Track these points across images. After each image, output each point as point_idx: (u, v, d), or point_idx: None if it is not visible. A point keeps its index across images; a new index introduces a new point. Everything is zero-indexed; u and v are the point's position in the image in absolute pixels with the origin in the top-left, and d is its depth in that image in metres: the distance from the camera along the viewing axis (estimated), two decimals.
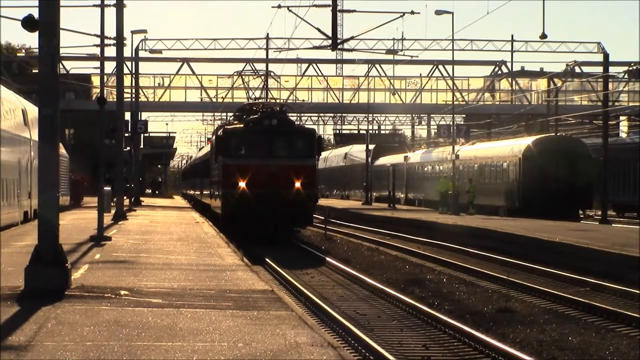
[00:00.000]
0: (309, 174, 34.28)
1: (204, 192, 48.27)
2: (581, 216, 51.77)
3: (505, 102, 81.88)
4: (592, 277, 23.14)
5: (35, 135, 33.81)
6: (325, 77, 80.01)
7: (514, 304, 19.09)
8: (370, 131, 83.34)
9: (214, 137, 41.11)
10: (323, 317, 16.88)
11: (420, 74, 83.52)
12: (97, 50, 51.31)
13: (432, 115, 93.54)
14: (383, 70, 78.37)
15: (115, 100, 47.01)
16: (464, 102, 77.40)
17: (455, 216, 49.09)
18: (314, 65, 78.50)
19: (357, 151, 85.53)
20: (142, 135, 70.04)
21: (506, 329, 16.04)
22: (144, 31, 67.02)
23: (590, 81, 72.96)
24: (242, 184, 33.37)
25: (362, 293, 21.23)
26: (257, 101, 42.28)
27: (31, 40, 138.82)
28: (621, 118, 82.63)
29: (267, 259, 26.65)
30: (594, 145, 55.96)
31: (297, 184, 33.47)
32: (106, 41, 41.20)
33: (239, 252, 25.06)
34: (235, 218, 33.71)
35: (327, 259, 28.13)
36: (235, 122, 38.25)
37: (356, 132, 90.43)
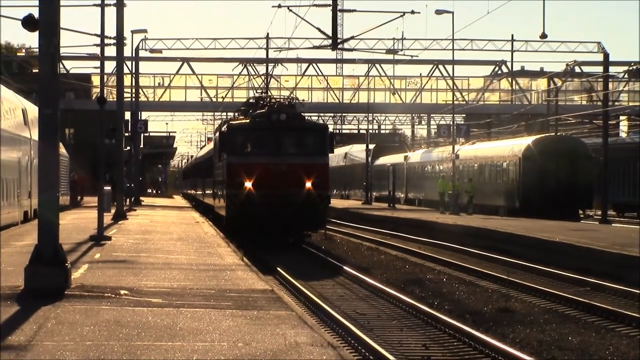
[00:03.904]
0: (321, 173, 31.87)
1: (207, 192, 46.98)
2: (581, 216, 51.79)
3: (505, 102, 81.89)
4: (592, 277, 23.15)
5: (35, 135, 33.79)
6: (325, 77, 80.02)
7: (514, 304, 19.09)
8: (370, 131, 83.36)
9: (217, 133, 38.77)
10: (323, 317, 16.88)
11: (420, 74, 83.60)
12: (97, 50, 51.38)
13: (432, 115, 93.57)
14: (383, 70, 78.38)
15: (115, 99, 47.03)
16: (464, 102, 77.41)
17: (455, 216, 49.11)
18: (314, 65, 78.52)
19: (357, 151, 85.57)
20: (142, 134, 70.05)
21: (506, 329, 16.04)
22: (144, 31, 67.12)
23: (591, 81, 72.96)
24: (248, 184, 31.16)
25: (361, 292, 21.23)
26: (263, 94, 39.39)
27: (31, 40, 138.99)
28: (621, 118, 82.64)
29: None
30: (594, 145, 55.96)
31: (308, 184, 31.17)
32: (106, 41, 41.29)
33: (239, 252, 25.04)
34: (241, 221, 31.59)
35: (329, 259, 28.12)
36: (241, 117, 35.83)
37: (356, 131, 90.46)
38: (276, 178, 31.19)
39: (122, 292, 15.57)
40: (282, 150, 31.95)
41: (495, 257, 29.21)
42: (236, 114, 38.29)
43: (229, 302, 14.93)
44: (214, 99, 76.60)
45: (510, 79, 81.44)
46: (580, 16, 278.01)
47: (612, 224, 47.68)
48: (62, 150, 47.47)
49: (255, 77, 49.15)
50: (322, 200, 31.64)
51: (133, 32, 65.18)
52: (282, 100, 35.12)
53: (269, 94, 40.26)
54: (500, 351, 13.62)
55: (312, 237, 35.53)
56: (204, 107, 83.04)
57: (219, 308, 14.25)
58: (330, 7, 45.48)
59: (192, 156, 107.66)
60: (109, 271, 18.84)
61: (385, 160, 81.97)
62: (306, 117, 35.37)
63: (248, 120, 33.08)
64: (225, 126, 34.45)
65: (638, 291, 20.28)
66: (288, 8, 46.23)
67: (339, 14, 50.89)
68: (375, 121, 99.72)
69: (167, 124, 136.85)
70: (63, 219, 22.25)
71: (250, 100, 37.69)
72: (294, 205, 30.88)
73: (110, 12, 76.18)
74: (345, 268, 25.30)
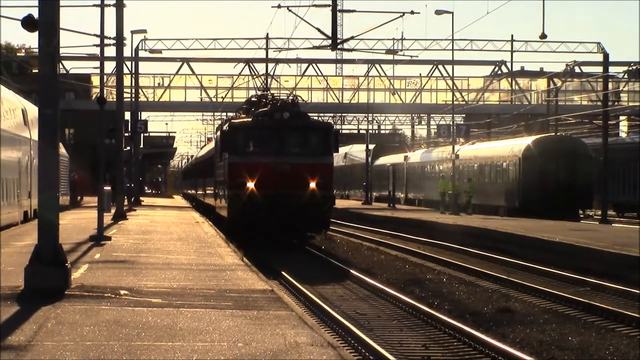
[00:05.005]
0: (325, 173, 31.11)
1: (207, 192, 46.58)
2: (581, 216, 51.79)
3: (505, 102, 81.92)
4: (592, 277, 23.15)
5: (35, 135, 33.76)
6: (325, 77, 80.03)
7: (514, 304, 19.09)
8: (370, 131, 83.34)
9: (218, 132, 37.68)
10: (323, 317, 16.87)
11: (420, 74, 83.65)
12: (97, 50, 51.33)
13: (432, 115, 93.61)
14: (383, 70, 78.42)
15: (115, 100, 47.02)
16: (464, 102, 77.42)
17: (455, 216, 49.12)
18: (314, 65, 78.53)
19: (357, 151, 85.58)
20: (142, 135, 70.05)
21: (506, 329, 16.04)
22: (144, 31, 67.07)
23: (590, 81, 72.98)
24: (250, 185, 30.26)
25: (362, 293, 21.22)
26: (265, 92, 38.16)
27: (31, 40, 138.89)
28: (621, 118, 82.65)
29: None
30: (594, 145, 55.98)
31: (312, 185, 30.33)
32: (106, 41, 41.25)
33: (239, 252, 25.04)
34: (243, 221, 30.74)
35: (329, 259, 28.12)
36: (243, 115, 34.62)
37: (356, 131, 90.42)
38: (279, 178, 30.38)
39: (122, 292, 15.57)
40: (285, 149, 31.08)
41: (495, 257, 29.20)
42: (238, 112, 37.44)
43: (229, 302, 14.93)
44: (214, 99, 76.61)
45: (510, 79, 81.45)
46: (580, 16, 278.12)
47: (612, 224, 47.68)
48: (62, 150, 47.47)
49: (255, 77, 49.01)
50: (326, 201, 30.88)
51: (133, 32, 65.14)
52: (285, 98, 34.06)
53: (270, 93, 39.67)
54: (500, 351, 13.61)
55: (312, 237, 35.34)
56: (204, 107, 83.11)
57: (219, 308, 14.26)
58: (330, 7, 45.49)
59: (192, 156, 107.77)
60: (109, 271, 18.84)
61: (385, 160, 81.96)
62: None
63: (250, 119, 32.23)
64: (226, 125, 33.61)
65: (638, 291, 20.28)
66: (288, 8, 46.23)
67: (338, 14, 50.95)
68: (375, 121, 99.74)
69: (167, 124, 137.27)
70: (63, 219, 22.25)
71: (253, 99, 36.85)
72: (298, 206, 30.09)
73: (110, 13, 76.29)
74: (345, 268, 25.29)
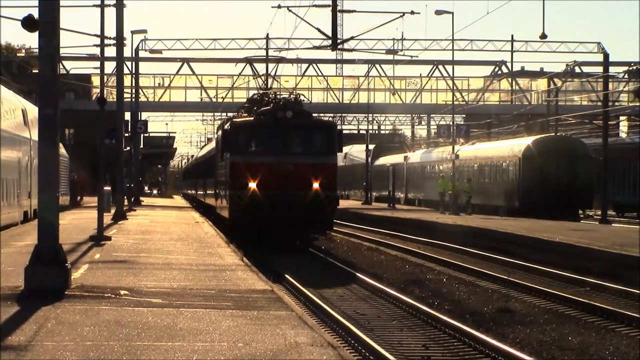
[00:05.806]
0: (329, 173, 30.39)
1: (208, 193, 46.26)
2: (581, 216, 51.80)
3: (505, 102, 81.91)
4: (592, 277, 23.15)
5: (35, 135, 33.75)
6: (325, 77, 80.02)
7: (514, 304, 19.09)
8: (370, 131, 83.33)
9: (219, 131, 36.73)
10: (323, 317, 16.87)
11: (420, 74, 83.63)
12: (97, 50, 51.38)
13: (432, 115, 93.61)
14: (383, 70, 78.42)
15: (115, 100, 47.01)
16: (464, 102, 77.41)
17: (455, 216, 49.13)
18: (314, 65, 78.52)
19: (357, 151, 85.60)
20: (142, 135, 70.03)
21: (506, 329, 16.04)
22: (144, 31, 66.99)
23: (590, 81, 72.99)
24: (252, 185, 29.67)
25: (361, 293, 21.22)
26: (267, 90, 37.38)
27: (31, 40, 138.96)
28: (621, 118, 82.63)
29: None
30: (594, 145, 55.99)
31: (315, 185, 29.72)
32: (106, 41, 41.24)
33: (239, 252, 25.04)
34: (245, 222, 30.24)
35: (329, 259, 28.11)
36: (244, 114, 34.07)
37: (356, 132, 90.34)
38: (282, 178, 29.78)
39: (122, 292, 15.57)
40: (288, 149, 30.44)
41: (495, 257, 29.20)
42: (240, 111, 36.83)
43: (229, 302, 14.93)
44: (214, 100, 76.60)
45: (510, 79, 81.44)
46: (580, 16, 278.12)
47: (612, 224, 47.68)
48: (62, 150, 47.48)
49: (256, 77, 48.93)
50: (330, 201, 30.28)
51: (133, 32, 65.06)
52: (288, 96, 33.21)
53: (272, 92, 39.31)
54: (500, 351, 13.61)
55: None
56: (204, 107, 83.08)
57: (219, 308, 14.26)
58: (330, 8, 45.47)
59: (192, 156, 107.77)
60: (109, 271, 18.84)
61: (385, 160, 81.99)
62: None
63: (252, 118, 31.60)
64: (228, 124, 33.01)
65: (638, 291, 20.28)
66: (288, 8, 46.18)
67: (338, 14, 50.88)
68: (375, 121, 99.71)
69: (167, 124, 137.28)
70: (63, 219, 22.25)
71: (255, 97, 36.18)
72: (301, 206, 29.55)
73: (110, 13, 76.21)
74: (345, 268, 25.28)
